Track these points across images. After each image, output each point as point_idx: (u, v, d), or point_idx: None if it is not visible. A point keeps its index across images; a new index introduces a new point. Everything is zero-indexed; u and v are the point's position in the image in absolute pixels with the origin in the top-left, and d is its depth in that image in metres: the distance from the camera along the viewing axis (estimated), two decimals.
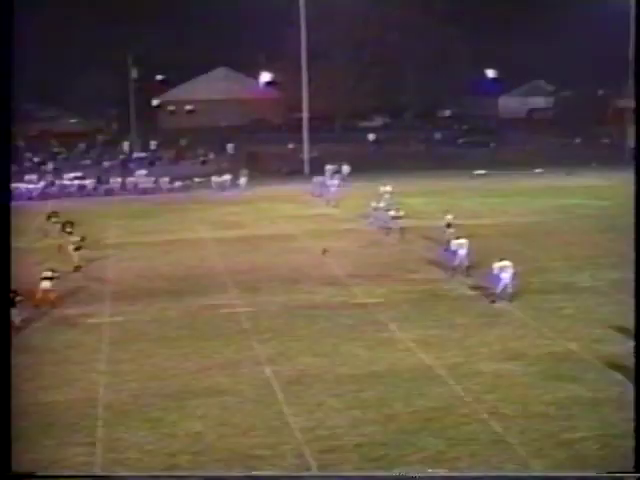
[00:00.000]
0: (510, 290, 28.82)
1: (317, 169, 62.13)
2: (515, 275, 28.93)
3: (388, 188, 48.12)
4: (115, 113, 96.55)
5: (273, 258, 37.12)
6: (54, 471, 17.90)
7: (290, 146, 77.15)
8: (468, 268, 32.18)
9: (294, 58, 70.62)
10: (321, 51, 79.51)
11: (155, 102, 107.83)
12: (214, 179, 59.35)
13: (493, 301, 28.66)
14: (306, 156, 69.02)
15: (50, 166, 68.35)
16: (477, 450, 18.13)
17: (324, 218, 46.41)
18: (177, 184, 60.21)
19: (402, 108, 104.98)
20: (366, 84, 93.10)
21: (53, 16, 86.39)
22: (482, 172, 62.61)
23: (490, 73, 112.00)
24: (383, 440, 18.82)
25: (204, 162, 71.35)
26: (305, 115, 70.20)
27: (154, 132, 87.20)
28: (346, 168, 60.90)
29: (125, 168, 67.52)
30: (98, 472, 17.32)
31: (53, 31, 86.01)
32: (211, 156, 73.98)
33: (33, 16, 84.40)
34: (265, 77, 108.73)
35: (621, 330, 23.93)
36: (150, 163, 69.91)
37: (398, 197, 47.59)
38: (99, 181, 61.54)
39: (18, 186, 60.37)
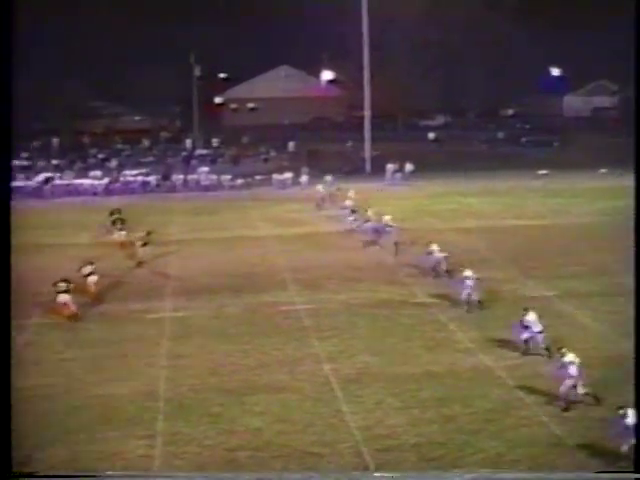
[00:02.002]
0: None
1: (378, 168, 62.02)
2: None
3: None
4: (178, 111, 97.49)
5: (334, 255, 37.13)
6: (116, 462, 18.19)
7: (349, 144, 77.02)
8: None
9: (356, 56, 70.54)
10: (384, 49, 79.29)
11: (218, 100, 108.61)
12: (275, 177, 59.57)
13: None
14: (367, 154, 68.89)
15: (114, 162, 69.23)
16: (536, 453, 17.95)
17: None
18: (239, 181, 60.52)
19: (464, 107, 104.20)
20: (428, 82, 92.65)
21: (118, 16, 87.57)
22: (545, 172, 61.85)
23: (555, 71, 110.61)
24: (441, 440, 18.75)
25: (266, 160, 71.63)
26: (367, 113, 70.05)
27: (216, 130, 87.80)
28: (409, 167, 60.64)
29: (187, 165, 68.07)
30: (99, 472, 17.41)
31: (119, 31, 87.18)
32: (272, 154, 74.26)
33: (99, 17, 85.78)
34: (327, 75, 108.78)
35: None
36: (212, 160, 70.38)
37: (458, 197, 47.27)
38: (162, 178, 62.17)
39: (83, 182, 61.46)
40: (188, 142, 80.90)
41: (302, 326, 27.36)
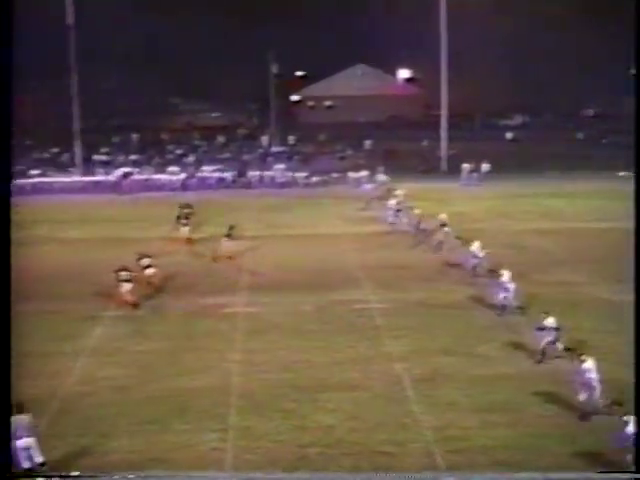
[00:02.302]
0: None
1: (454, 167, 61.60)
2: None
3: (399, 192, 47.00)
4: (255, 108, 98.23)
5: (408, 255, 36.99)
6: (189, 454, 18.41)
7: (425, 143, 76.65)
8: None
9: (434, 54, 70.12)
10: (462, 47, 78.64)
11: (295, 97, 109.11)
12: (351, 175, 59.59)
13: None
14: (443, 153, 68.50)
15: (191, 158, 70.08)
16: (609, 458, 17.63)
17: (460, 217, 45.85)
18: (314, 179, 60.72)
19: (543, 107, 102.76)
20: (507, 82, 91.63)
21: (198, 15, 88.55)
22: (626, 174, 60.63)
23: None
24: (512, 443, 18.55)
25: (342, 158, 71.70)
26: (444, 112, 69.62)
27: (293, 127, 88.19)
28: (485, 166, 60.09)
29: (264, 162, 68.55)
30: (99, 472, 17.46)
31: (198, 29, 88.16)
32: (348, 152, 74.30)
33: (180, 16, 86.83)
34: (404, 73, 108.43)
35: None
36: (288, 157, 70.70)
37: (535, 198, 46.59)
38: (238, 174, 62.71)
39: (160, 177, 62.45)
40: (264, 139, 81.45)
41: (375, 325, 27.35)
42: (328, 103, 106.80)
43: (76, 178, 64.04)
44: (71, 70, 64.11)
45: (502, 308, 27.76)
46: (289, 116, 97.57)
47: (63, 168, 67.39)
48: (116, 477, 17.31)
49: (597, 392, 19.61)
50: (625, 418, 16.66)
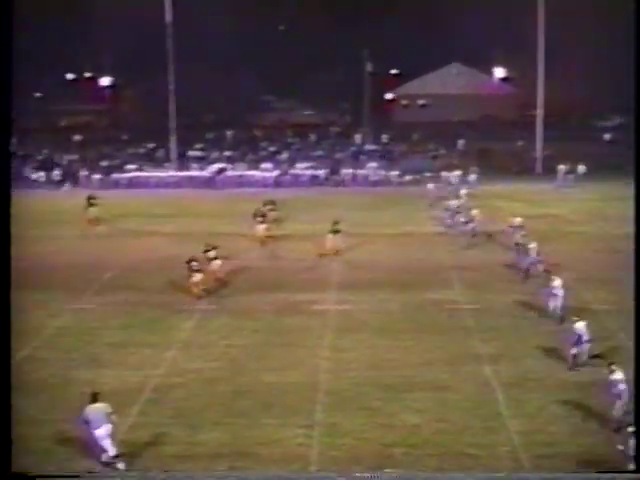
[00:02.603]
0: None
1: (549, 168, 60.56)
2: None
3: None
4: (349, 106, 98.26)
5: (501, 256, 36.51)
6: (275, 449, 18.55)
7: (520, 143, 75.53)
8: None
9: (530, 54, 69.05)
10: (559, 46, 77.27)
11: (389, 96, 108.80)
12: (444, 174, 59.14)
13: None
14: (538, 154, 67.40)
15: (284, 155, 70.54)
16: None
17: (554, 219, 45.16)
18: (407, 178, 60.47)
19: None
20: (605, 82, 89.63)
21: (290, 13, 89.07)
22: None
23: None
24: (601, 452, 18.14)
25: (434, 157, 71.18)
26: (539, 112, 68.49)
27: (386, 125, 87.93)
28: (581, 168, 58.90)
29: (356, 160, 68.56)
30: (99, 472, 17.48)
31: (292, 27, 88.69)
32: (442, 151, 73.74)
33: (273, 14, 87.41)
34: (499, 73, 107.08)
35: None
36: (381, 156, 70.55)
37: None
38: (331, 172, 62.88)
39: (254, 174, 63.07)
40: (357, 137, 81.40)
41: (465, 326, 27.11)
42: (422, 102, 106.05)
43: (171, 173, 65.15)
44: (168, 68, 65.24)
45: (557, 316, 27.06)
46: (382, 114, 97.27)
47: (158, 163, 68.64)
48: (116, 477, 17.44)
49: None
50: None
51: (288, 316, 28.48)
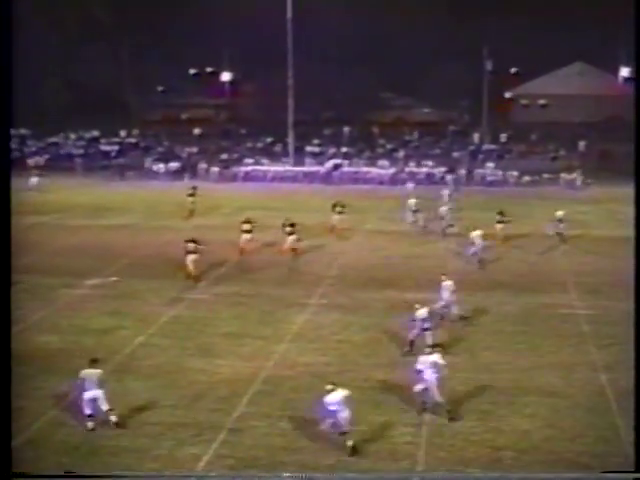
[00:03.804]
0: None
1: None
2: None
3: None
4: (467, 104, 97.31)
5: (620, 262, 35.54)
6: (383, 446, 18.52)
7: None
8: None
9: None
10: None
11: (508, 95, 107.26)
12: (563, 176, 58.01)
13: None
14: None
15: (401, 153, 70.41)
16: None
17: None
18: (525, 178, 59.53)
19: None
20: None
21: (412, 13, 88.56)
22: None
23: None
24: None
25: (554, 158, 69.93)
26: None
27: (505, 125, 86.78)
28: None
29: (474, 159, 67.92)
30: (98, 472, 17.35)
31: (412, 26, 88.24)
32: (561, 152, 72.36)
33: (391, 14, 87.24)
34: (625, 72, 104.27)
35: None
36: (499, 156, 69.77)
37: None
38: (448, 171, 62.45)
39: (370, 170, 63.18)
40: (475, 136, 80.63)
41: (580, 331, 26.52)
42: (542, 102, 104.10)
43: (288, 168, 65.83)
44: (287, 63, 65.90)
45: None
46: (501, 114, 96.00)
47: (276, 157, 69.45)
48: (116, 477, 17.40)
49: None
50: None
51: (399, 313, 28.39)
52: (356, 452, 18.08)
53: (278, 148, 72.23)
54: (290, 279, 32.46)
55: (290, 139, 68.75)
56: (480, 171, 62.47)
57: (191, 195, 47.73)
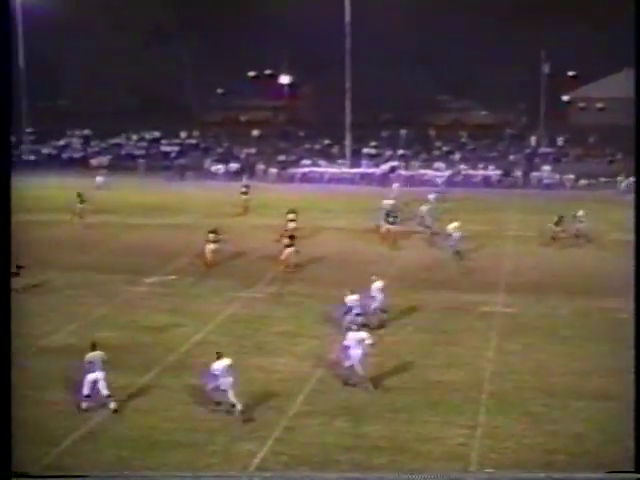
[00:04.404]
0: None
1: None
2: None
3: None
4: (524, 107, 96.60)
5: None
6: (436, 447, 18.68)
7: None
8: None
9: None
10: None
11: (565, 98, 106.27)
12: (620, 179, 57.43)
13: None
14: None
15: (457, 156, 70.25)
16: None
17: None
18: (582, 182, 59.04)
19: None
20: None
21: (469, 16, 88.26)
22: None
23: None
24: None
25: (611, 161, 69.15)
26: None
27: (562, 128, 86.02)
28: None
29: (530, 163, 67.50)
30: (100, 472, 17.46)
31: (471, 29, 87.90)
32: (619, 156, 71.53)
33: (450, 16, 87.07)
34: None
35: None
36: (555, 159, 69.24)
37: None
38: (503, 174, 62.18)
39: (426, 173, 63.13)
40: (532, 139, 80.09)
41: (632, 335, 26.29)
42: (600, 105, 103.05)
43: (344, 169, 66.09)
44: (345, 66, 66.17)
45: None
46: (559, 117, 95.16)
47: (333, 159, 69.75)
48: (117, 477, 17.56)
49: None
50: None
51: (454, 316, 28.51)
52: (250, 420, 19.65)
53: (335, 150, 72.53)
54: (346, 279, 32.69)
55: (347, 141, 68.99)
56: (536, 174, 62.03)
57: (244, 193, 49.06)
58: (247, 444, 18.76)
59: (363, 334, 22.14)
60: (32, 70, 76.46)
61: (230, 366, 20.18)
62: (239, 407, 19.91)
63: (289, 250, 34.64)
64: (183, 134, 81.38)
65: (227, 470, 17.67)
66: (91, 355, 20.71)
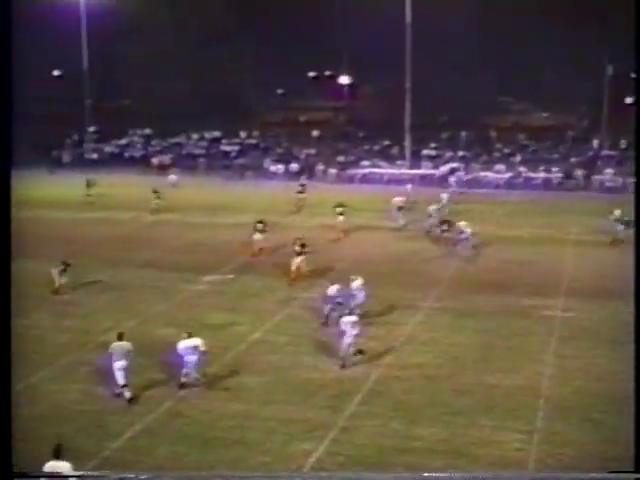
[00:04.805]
0: None
1: None
2: None
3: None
4: (587, 109, 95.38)
5: None
6: (492, 452, 18.57)
7: None
8: None
9: None
10: None
11: (629, 100, 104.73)
12: None
13: None
14: None
15: (518, 158, 69.63)
16: None
17: None
18: None
19: None
20: None
21: (534, 17, 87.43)
22: None
23: None
24: None
25: None
26: None
27: (626, 131, 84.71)
28: None
29: (592, 165, 66.63)
30: (97, 472, 17.37)
31: (536, 30, 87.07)
32: None
33: (517, 18, 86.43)
34: None
35: None
36: (618, 162, 68.19)
37: None
38: (565, 176, 61.48)
39: (487, 175, 62.73)
40: (594, 142, 79.03)
41: None
42: None
43: (404, 170, 65.94)
44: (405, 67, 66.02)
45: None
46: (622, 119, 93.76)
47: (392, 160, 69.61)
48: (116, 477, 17.63)
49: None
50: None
51: (512, 319, 28.29)
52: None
53: (395, 151, 72.32)
54: (405, 281, 32.67)
55: (407, 142, 68.83)
56: (598, 177, 61.24)
57: (300, 192, 49.87)
58: (303, 444, 18.87)
59: (353, 317, 23.83)
60: (95, 71, 77.69)
61: (195, 347, 21.43)
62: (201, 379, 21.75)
63: (299, 259, 33.39)
64: (243, 134, 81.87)
65: (280, 470, 17.69)
66: (113, 345, 21.35)
